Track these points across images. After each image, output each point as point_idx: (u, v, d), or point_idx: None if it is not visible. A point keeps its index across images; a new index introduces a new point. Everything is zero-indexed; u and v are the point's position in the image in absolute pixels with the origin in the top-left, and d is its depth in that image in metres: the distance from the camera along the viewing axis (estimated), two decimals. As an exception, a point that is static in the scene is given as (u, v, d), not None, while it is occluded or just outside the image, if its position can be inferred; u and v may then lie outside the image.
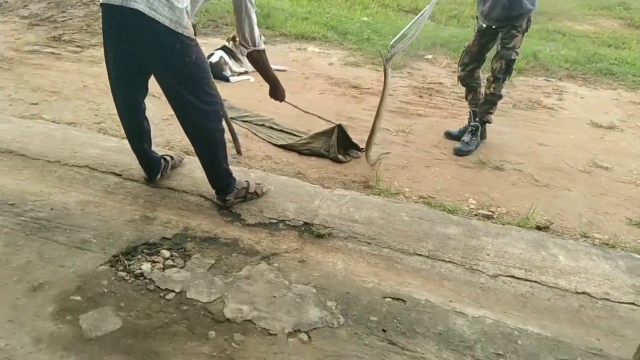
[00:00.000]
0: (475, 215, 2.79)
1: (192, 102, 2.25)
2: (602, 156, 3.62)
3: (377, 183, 3.04)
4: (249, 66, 4.86)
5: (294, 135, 3.66)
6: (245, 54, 2.58)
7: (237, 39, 4.78)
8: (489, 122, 3.62)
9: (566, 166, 3.47)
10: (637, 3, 8.62)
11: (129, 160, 2.87)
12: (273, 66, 4.90)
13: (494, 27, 3.34)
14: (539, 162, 3.49)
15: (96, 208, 2.49)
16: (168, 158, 2.79)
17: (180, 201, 2.61)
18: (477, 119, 3.62)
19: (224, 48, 4.80)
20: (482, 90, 3.62)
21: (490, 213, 2.81)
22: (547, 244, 2.45)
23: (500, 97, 3.53)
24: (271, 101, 4.05)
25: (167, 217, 2.47)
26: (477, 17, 3.51)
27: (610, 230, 2.76)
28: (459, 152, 3.54)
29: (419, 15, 3.23)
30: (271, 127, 3.76)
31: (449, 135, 3.80)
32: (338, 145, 3.36)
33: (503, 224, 2.67)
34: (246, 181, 2.62)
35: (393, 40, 3.14)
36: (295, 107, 3.37)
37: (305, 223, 2.47)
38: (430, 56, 5.43)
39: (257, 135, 3.63)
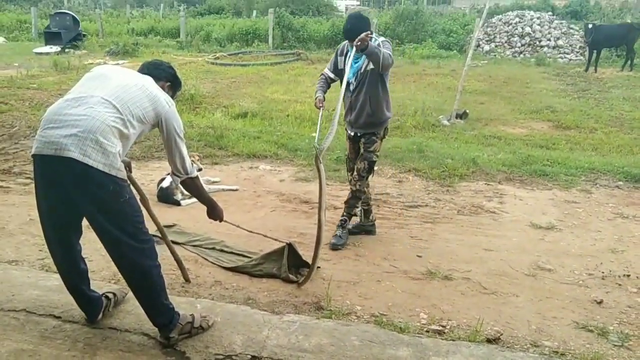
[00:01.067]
0: (427, 331, 2.78)
1: (128, 243, 2.27)
2: (545, 258, 3.75)
3: (329, 303, 3.03)
4: (200, 188, 4.98)
5: (245, 256, 3.66)
6: (179, 182, 2.67)
7: (194, 159, 4.96)
8: (356, 215, 4.07)
9: (511, 271, 3.56)
10: (563, 106, 9.45)
11: (70, 300, 2.75)
12: (225, 187, 5.10)
13: (359, 134, 3.85)
14: (486, 269, 3.58)
15: (30, 357, 2.36)
16: (110, 295, 2.72)
17: (122, 342, 2.50)
18: (344, 214, 3.98)
19: (175, 172, 4.90)
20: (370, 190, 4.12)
21: (441, 328, 2.82)
22: (496, 359, 2.45)
23: (364, 192, 3.95)
24: (222, 223, 4.12)
25: (106, 362, 2.35)
26: (345, 127, 4.00)
27: (559, 337, 2.79)
28: (334, 247, 3.83)
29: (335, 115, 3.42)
30: (222, 250, 3.75)
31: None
32: (289, 264, 3.37)
33: (454, 340, 2.66)
34: (191, 315, 2.56)
35: (316, 140, 3.54)
36: (238, 226, 3.42)
37: (253, 357, 2.40)
38: (376, 167, 5.68)
39: (207, 260, 3.61)
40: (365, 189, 4.04)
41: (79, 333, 2.56)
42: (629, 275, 3.48)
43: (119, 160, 2.19)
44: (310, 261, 3.38)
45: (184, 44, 17.79)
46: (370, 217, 4.14)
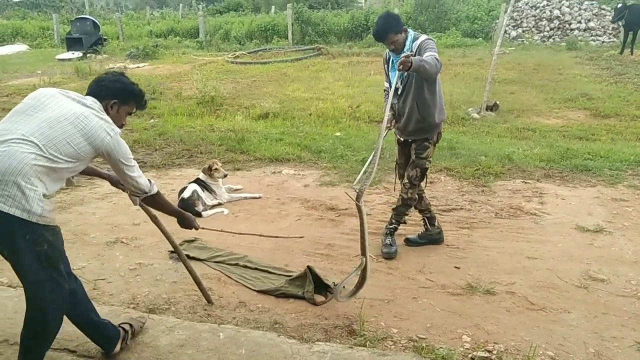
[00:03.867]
0: (472, 358, 2.52)
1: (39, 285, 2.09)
2: (596, 266, 3.43)
3: (362, 327, 2.79)
4: (223, 197, 4.78)
5: (270, 272, 3.45)
6: (139, 202, 2.50)
7: (214, 167, 4.76)
8: (404, 223, 3.83)
9: (560, 282, 3.26)
10: (599, 93, 8.96)
11: (86, 331, 2.61)
12: (248, 195, 4.89)
13: (410, 140, 3.59)
14: (531, 280, 3.29)
15: (43, 399, 2.19)
16: (127, 327, 2.53)
17: (140, 379, 2.32)
18: (394, 222, 3.77)
19: (197, 181, 4.72)
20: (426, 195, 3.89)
21: (488, 354, 2.55)
22: (556, 395, 2.17)
23: (415, 199, 3.70)
24: (246, 235, 3.90)
25: (124, 404, 2.16)
26: (395, 132, 3.73)
27: (622, 361, 2.50)
28: (388, 256, 3.63)
29: (375, 152, 3.09)
30: (245, 266, 3.54)
31: (409, 242, 3.87)
32: (315, 287, 3.14)
33: (504, 370, 2.39)
34: None
35: (357, 180, 3.16)
36: (222, 231, 3.31)
37: (282, 396, 2.18)
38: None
39: (230, 278, 3.41)
40: (422, 194, 3.80)
41: (95, 369, 2.39)
42: (694, 285, 3.14)
43: (38, 203, 1.98)
44: (329, 282, 3.18)
45: (204, 43, 17.69)
46: (436, 224, 3.85)
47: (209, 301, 3.10)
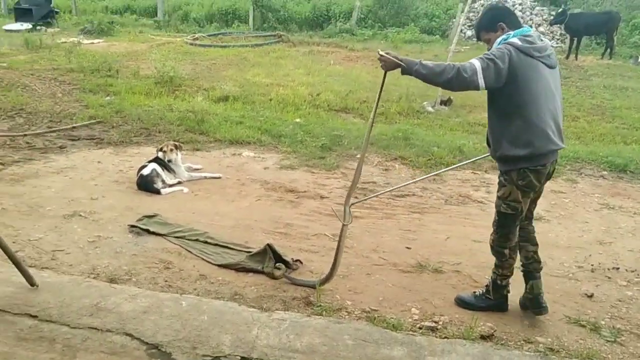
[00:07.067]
0: (420, 328, 2.72)
1: None
2: (534, 250, 3.72)
3: (319, 298, 2.94)
4: (183, 176, 4.81)
5: (230, 248, 3.55)
6: None
7: (164, 149, 4.74)
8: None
9: (502, 263, 3.52)
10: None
11: (47, 298, 2.63)
12: (207, 174, 4.94)
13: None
14: (476, 261, 3.53)
15: (4, 361, 2.22)
16: None
17: (103, 343, 2.38)
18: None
19: (156, 159, 4.71)
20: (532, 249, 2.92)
21: (434, 324, 2.76)
22: (493, 358, 2.40)
23: (500, 253, 2.85)
24: (205, 213, 3.96)
25: (87, 365, 2.22)
26: None
27: (552, 332, 2.77)
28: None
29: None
30: (206, 242, 3.62)
31: (459, 302, 3.02)
32: (274, 263, 3.27)
33: (447, 337, 2.61)
34: None
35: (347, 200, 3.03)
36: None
37: (243, 358, 2.30)
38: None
39: (190, 252, 3.48)
40: (504, 251, 2.83)
41: (57, 334, 2.42)
42: (617, 268, 3.47)
43: None
44: (288, 258, 3.32)
45: (162, 23, 17.24)
46: (502, 292, 2.93)
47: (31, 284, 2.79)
